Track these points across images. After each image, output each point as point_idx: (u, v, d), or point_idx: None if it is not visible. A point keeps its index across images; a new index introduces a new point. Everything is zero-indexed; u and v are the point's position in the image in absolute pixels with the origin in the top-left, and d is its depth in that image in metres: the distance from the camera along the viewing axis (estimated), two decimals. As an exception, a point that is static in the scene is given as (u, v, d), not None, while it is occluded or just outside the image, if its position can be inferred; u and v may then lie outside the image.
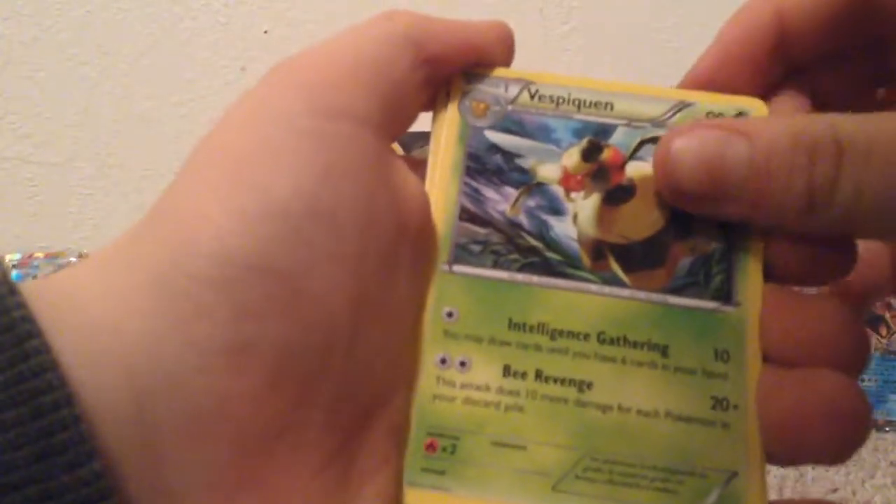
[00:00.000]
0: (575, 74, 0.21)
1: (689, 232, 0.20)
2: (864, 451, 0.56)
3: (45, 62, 0.70)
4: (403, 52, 0.19)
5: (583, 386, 0.19)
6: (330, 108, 0.18)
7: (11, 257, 0.67)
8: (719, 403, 0.18)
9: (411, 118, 0.20)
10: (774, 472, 0.52)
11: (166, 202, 0.17)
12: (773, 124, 0.18)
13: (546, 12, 0.70)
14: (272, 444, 0.16)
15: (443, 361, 0.19)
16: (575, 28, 0.71)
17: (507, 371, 0.19)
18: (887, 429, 0.61)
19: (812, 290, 0.20)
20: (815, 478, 0.52)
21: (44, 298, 0.15)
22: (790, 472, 0.52)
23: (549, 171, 0.20)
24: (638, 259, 0.20)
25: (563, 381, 0.19)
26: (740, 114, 0.20)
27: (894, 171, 0.17)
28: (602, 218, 0.20)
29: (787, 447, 0.18)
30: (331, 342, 0.17)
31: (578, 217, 0.20)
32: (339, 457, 0.18)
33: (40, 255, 0.67)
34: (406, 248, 0.19)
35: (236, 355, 0.16)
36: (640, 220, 0.20)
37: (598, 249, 0.20)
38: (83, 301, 0.15)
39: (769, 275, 0.19)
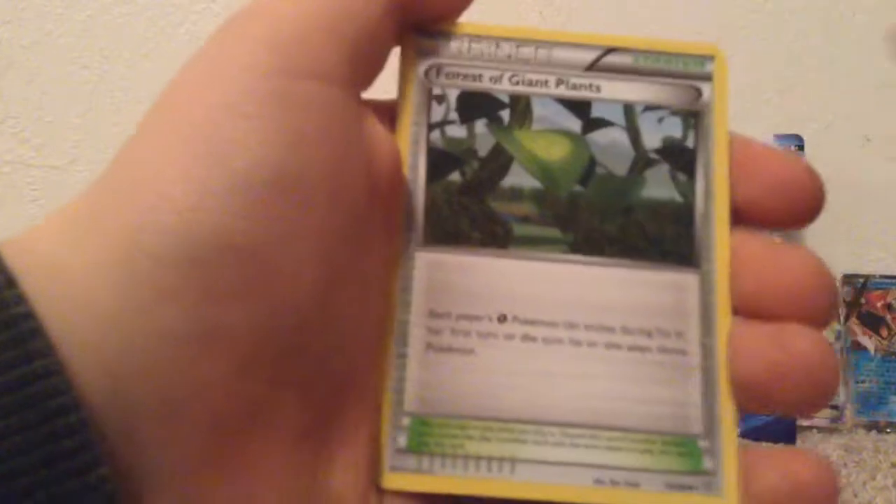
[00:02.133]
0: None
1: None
2: (865, 453, 0.56)
3: (46, 66, 0.70)
4: None
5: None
6: (295, 66, 0.16)
7: (12, 261, 0.67)
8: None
9: (383, 64, 0.19)
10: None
11: (124, 168, 0.16)
12: None
13: (545, 14, 0.70)
14: (247, 424, 0.16)
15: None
16: (575, 29, 0.71)
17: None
18: (888, 430, 0.61)
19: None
20: (816, 479, 0.52)
21: (26, 276, 0.14)
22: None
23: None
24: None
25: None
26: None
27: None
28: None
29: (758, 402, 0.18)
30: (303, 320, 0.17)
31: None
32: (315, 429, 0.17)
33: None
34: (378, 210, 0.18)
35: (206, 341, 0.15)
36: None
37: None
38: (59, 274, 0.15)
39: (739, 219, 0.19)
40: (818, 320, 0.18)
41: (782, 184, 0.19)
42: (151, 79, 0.71)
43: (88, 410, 0.14)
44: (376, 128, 0.19)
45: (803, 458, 0.18)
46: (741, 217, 0.19)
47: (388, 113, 0.20)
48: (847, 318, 0.62)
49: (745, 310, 0.19)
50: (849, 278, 0.63)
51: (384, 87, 0.20)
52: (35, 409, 0.13)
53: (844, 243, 0.66)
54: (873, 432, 0.61)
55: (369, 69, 0.18)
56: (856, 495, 0.50)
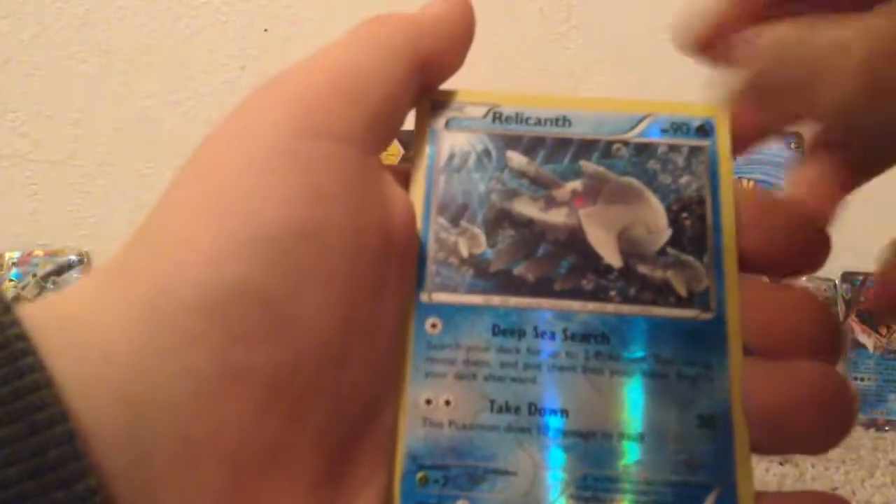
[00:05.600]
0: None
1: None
2: (864, 451, 0.56)
3: (45, 60, 0.70)
4: (398, 60, 0.19)
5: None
6: (315, 127, 0.18)
7: (11, 255, 0.67)
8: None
9: (400, 125, 0.20)
10: (774, 471, 0.52)
11: (154, 225, 0.17)
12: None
13: (546, 11, 0.70)
14: (264, 466, 0.17)
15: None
16: (575, 27, 0.71)
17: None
18: (887, 428, 0.61)
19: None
20: (814, 476, 0.52)
21: (36, 318, 0.15)
22: (790, 471, 0.52)
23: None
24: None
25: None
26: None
27: None
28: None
29: (775, 439, 0.18)
30: (321, 364, 0.17)
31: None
32: (330, 474, 0.18)
33: (40, 252, 0.67)
34: (393, 262, 0.19)
35: (228, 381, 0.16)
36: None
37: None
38: (75, 324, 0.15)
39: (742, 266, 0.19)
40: (828, 355, 0.18)
41: (785, 235, 0.19)
42: (150, 73, 0.71)
43: (89, 432, 0.14)
44: (392, 185, 0.20)
45: (819, 501, 0.18)
46: (744, 263, 0.20)
47: (403, 175, 0.21)
48: (846, 316, 0.62)
49: (757, 349, 0.19)
50: (848, 276, 0.63)
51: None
52: (23, 421, 0.14)
53: (843, 241, 0.66)
54: (871, 430, 0.61)
55: (387, 131, 0.19)
56: (854, 493, 0.50)
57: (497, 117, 0.21)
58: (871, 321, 0.62)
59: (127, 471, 0.15)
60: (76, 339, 0.15)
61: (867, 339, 0.62)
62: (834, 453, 0.54)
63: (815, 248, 0.19)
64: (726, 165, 0.20)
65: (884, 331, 0.62)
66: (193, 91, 0.71)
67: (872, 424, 0.61)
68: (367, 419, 0.19)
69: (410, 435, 0.19)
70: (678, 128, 0.21)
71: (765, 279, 0.20)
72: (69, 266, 0.67)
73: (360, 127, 0.18)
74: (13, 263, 0.67)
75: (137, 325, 0.15)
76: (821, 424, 0.18)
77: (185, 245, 0.16)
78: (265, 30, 0.71)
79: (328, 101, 0.18)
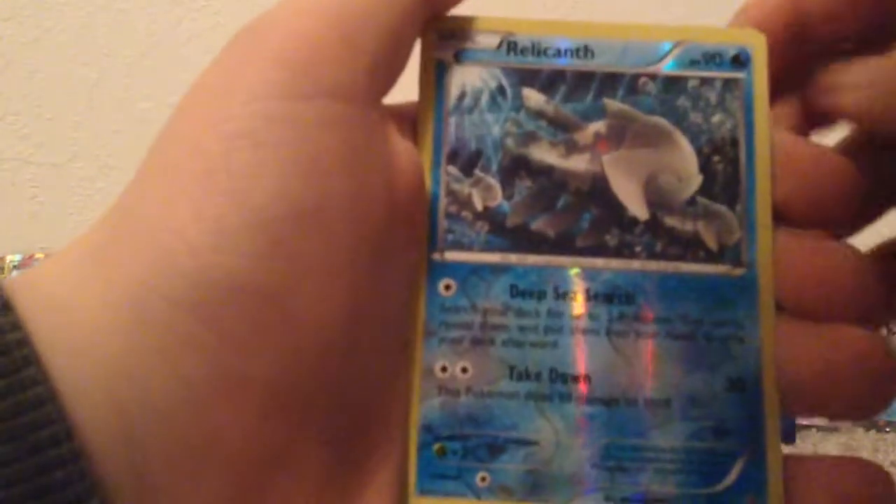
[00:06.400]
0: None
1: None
2: (864, 452, 0.56)
3: (46, 63, 0.70)
4: None
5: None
6: (307, 86, 0.15)
7: (12, 258, 0.67)
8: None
9: (404, 64, 0.17)
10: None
11: (132, 204, 0.15)
12: None
13: (548, 3, 0.70)
14: (268, 470, 0.16)
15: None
16: (579, 19, 0.71)
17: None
18: (887, 429, 0.61)
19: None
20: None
21: (28, 311, 0.14)
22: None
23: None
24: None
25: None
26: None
27: None
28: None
29: (811, 406, 0.17)
30: (325, 361, 0.16)
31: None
32: (338, 476, 0.17)
33: (41, 255, 0.67)
34: (399, 227, 0.17)
35: (223, 387, 0.14)
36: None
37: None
38: (64, 315, 0.14)
39: (779, 218, 0.18)
40: (870, 319, 0.17)
41: (820, 183, 0.18)
42: (151, 76, 0.71)
43: (87, 443, 0.13)
44: (395, 139, 0.17)
45: (852, 470, 0.17)
46: (781, 215, 0.18)
47: (408, 119, 0.18)
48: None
49: (792, 309, 0.17)
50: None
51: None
52: (26, 439, 0.13)
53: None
54: (872, 431, 0.61)
55: (390, 74, 0.17)
56: (855, 494, 0.50)
57: (512, 48, 0.19)
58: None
59: (125, 480, 0.14)
60: (68, 334, 0.14)
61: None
62: (834, 453, 0.54)
63: (857, 203, 0.17)
64: (762, 102, 0.19)
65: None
66: (194, 94, 0.71)
67: (873, 426, 0.61)
68: (377, 400, 0.17)
69: (426, 405, 0.17)
70: (711, 58, 0.19)
71: (803, 233, 0.18)
72: (70, 268, 0.67)
73: (359, 77, 0.16)
74: (14, 266, 0.67)
75: (123, 320, 0.14)
76: (864, 394, 0.16)
77: (169, 231, 0.14)
78: (265, 32, 0.71)
79: (320, 49, 0.15)
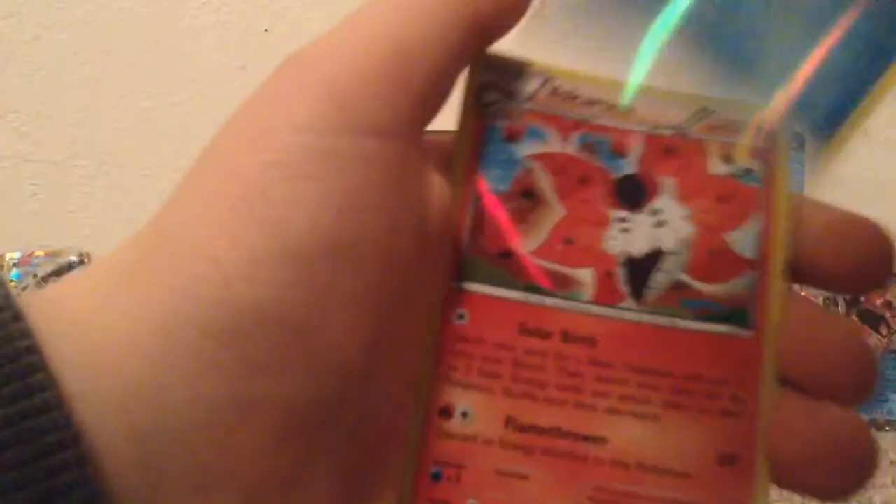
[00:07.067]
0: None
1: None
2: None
3: (46, 61, 0.70)
4: (454, 21, 0.16)
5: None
6: (356, 122, 0.15)
7: (12, 255, 0.67)
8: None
9: (448, 96, 0.17)
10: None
11: (167, 225, 0.15)
12: None
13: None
14: (280, 497, 0.16)
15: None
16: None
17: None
18: (887, 428, 0.61)
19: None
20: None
21: (44, 323, 0.14)
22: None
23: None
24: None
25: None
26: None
27: None
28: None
29: (793, 482, 0.17)
30: (343, 391, 0.16)
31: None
32: (349, 490, 0.17)
33: (41, 253, 0.67)
34: (426, 267, 0.17)
35: (243, 412, 0.15)
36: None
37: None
38: (85, 332, 0.14)
39: (792, 274, 0.18)
40: (857, 400, 0.17)
41: (843, 244, 0.17)
42: (151, 74, 0.71)
43: (98, 457, 0.13)
44: (432, 176, 0.17)
45: None
46: (793, 275, 0.18)
47: (443, 153, 0.18)
48: (846, 315, 0.62)
49: (786, 377, 0.17)
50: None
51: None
52: (32, 443, 0.13)
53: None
54: (872, 430, 0.61)
55: (433, 109, 0.17)
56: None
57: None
58: (871, 321, 0.62)
59: (138, 496, 0.14)
60: (86, 349, 0.14)
61: (867, 340, 0.62)
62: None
63: (880, 267, 0.17)
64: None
65: (884, 331, 0.62)
66: (194, 92, 0.70)
67: (873, 424, 0.61)
68: (390, 431, 0.17)
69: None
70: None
71: (809, 299, 0.18)
72: (70, 267, 0.67)
73: (405, 115, 0.16)
74: (14, 264, 0.67)
75: (148, 344, 0.14)
76: (839, 481, 0.16)
77: (204, 259, 0.14)
78: (265, 30, 0.71)
79: (368, 85, 0.15)
